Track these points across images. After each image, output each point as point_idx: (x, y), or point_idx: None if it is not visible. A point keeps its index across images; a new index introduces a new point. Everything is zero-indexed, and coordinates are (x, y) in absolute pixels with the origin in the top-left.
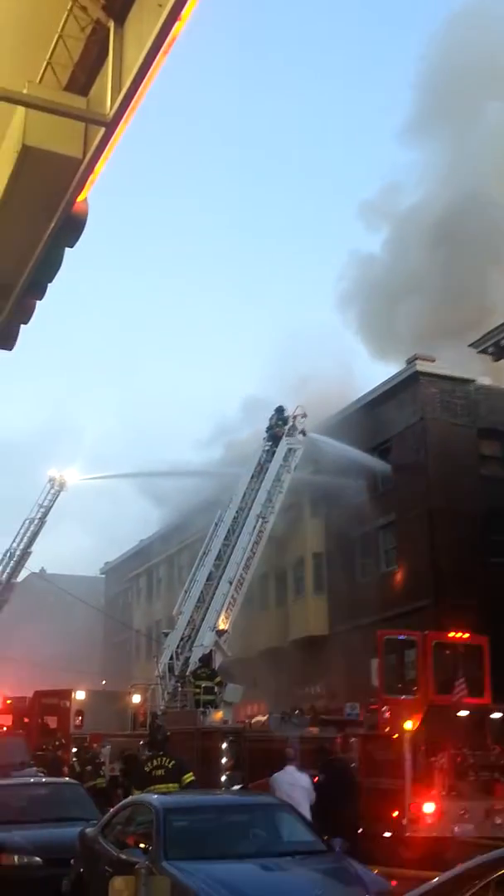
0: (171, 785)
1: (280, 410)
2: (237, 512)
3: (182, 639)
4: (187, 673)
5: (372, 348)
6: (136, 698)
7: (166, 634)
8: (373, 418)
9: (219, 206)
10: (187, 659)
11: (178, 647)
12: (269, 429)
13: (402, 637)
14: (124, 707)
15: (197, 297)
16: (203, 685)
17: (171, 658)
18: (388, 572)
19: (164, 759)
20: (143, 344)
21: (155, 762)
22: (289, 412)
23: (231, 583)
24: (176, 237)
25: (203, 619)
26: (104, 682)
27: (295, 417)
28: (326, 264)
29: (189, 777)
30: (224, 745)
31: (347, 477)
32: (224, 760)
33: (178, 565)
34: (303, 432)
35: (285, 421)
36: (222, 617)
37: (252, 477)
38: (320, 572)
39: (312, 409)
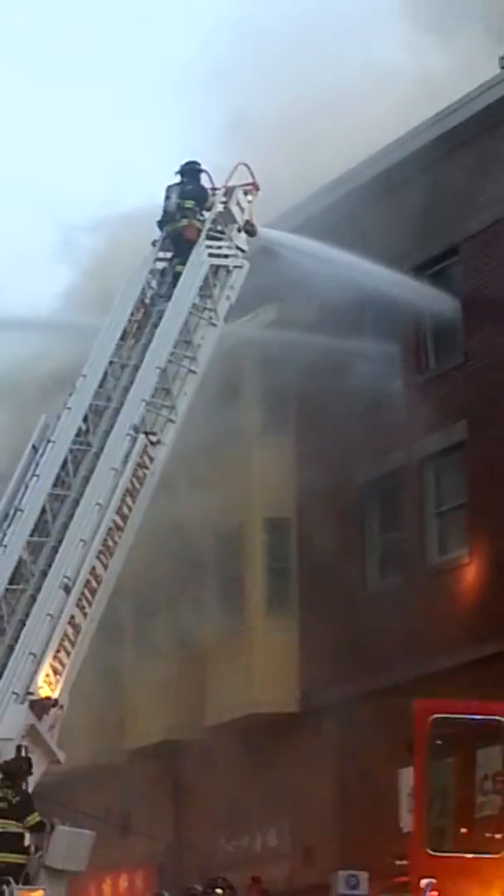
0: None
1: (190, 174)
2: (85, 419)
3: None
4: None
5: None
6: None
7: None
8: (413, 198)
9: None
10: None
11: None
12: (164, 221)
13: (474, 717)
14: None
15: None
16: None
17: None
18: (445, 566)
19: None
20: None
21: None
22: (214, 183)
23: (69, 590)
24: None
25: (1, 678)
26: None
27: (228, 193)
28: None
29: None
30: None
31: (352, 336)
32: None
33: None
34: (247, 229)
35: (201, 202)
36: (46, 669)
37: (124, 335)
38: (283, 567)
39: (271, 180)
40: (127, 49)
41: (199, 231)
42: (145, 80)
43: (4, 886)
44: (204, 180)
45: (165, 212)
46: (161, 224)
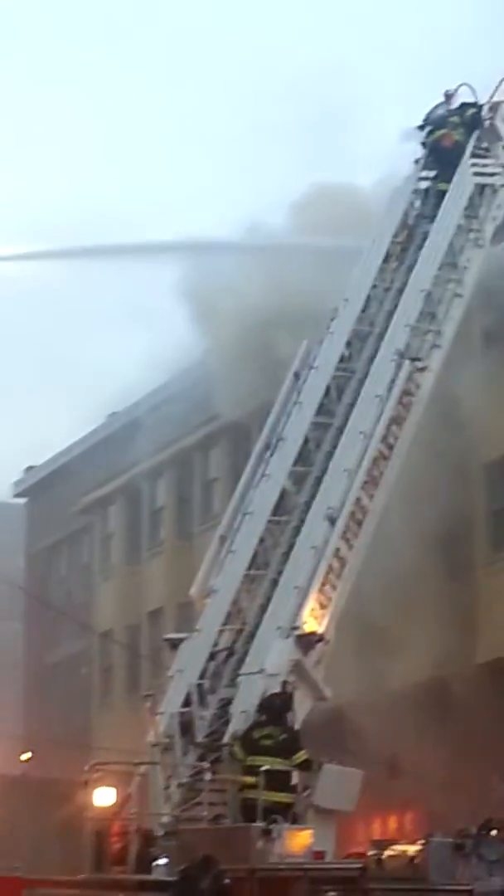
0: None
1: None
2: (348, 346)
3: (214, 656)
4: (226, 739)
5: None
6: (104, 796)
7: (174, 645)
8: None
9: None
10: (226, 704)
11: (204, 674)
12: (429, 135)
13: None
14: (74, 816)
15: None
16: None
17: (188, 702)
18: None
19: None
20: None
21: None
22: (479, 98)
23: (334, 521)
24: None
25: (265, 611)
26: (27, 754)
27: (494, 108)
28: None
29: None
30: None
31: None
32: None
33: (203, 479)
34: None
35: (472, 115)
36: (312, 603)
37: (387, 257)
38: None
39: None
40: None
41: (457, 142)
42: None
43: (273, 825)
44: (467, 96)
45: (427, 118)
46: (427, 140)
